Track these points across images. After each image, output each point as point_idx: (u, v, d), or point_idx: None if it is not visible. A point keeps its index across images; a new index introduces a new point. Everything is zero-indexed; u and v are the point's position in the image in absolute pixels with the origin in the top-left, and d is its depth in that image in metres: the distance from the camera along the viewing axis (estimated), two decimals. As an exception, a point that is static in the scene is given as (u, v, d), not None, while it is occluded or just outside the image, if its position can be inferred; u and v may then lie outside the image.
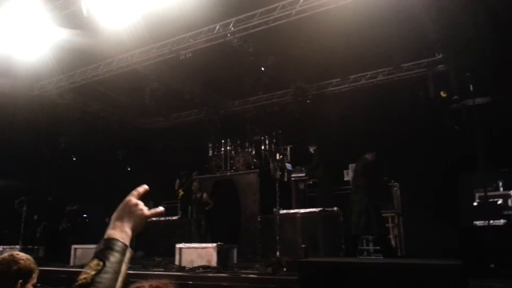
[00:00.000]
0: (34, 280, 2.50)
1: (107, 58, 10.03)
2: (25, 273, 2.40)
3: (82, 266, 7.76)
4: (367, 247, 8.71)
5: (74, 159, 12.34)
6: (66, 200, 11.25)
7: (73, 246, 8.79)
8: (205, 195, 9.79)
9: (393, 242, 8.31)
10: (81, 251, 8.66)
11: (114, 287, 1.21)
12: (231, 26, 8.48)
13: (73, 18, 7.98)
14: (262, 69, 9.06)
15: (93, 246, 8.67)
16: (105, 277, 1.20)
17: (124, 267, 1.25)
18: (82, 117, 12.33)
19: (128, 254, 1.28)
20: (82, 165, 12.16)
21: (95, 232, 11.11)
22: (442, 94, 8.13)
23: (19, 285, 2.36)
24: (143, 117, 13.53)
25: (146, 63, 9.88)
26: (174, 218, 10.99)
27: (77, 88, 11.07)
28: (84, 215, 11.39)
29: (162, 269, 7.33)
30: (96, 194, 11.79)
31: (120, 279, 1.23)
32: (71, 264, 8.53)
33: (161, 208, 1.41)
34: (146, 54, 9.67)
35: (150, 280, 1.77)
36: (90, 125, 12.53)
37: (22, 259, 2.43)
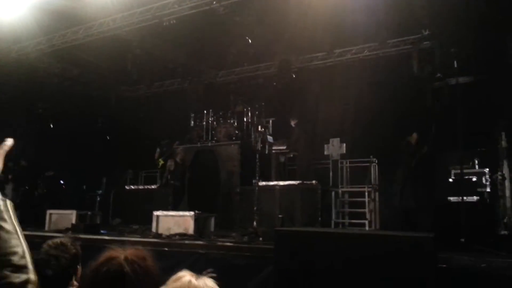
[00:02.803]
0: None
1: (87, 22, 9.70)
2: None
3: (57, 231, 7.74)
4: (343, 220, 8.88)
5: (51, 126, 12.08)
6: (42, 165, 11.07)
7: (48, 211, 8.72)
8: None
9: (368, 216, 8.47)
10: (57, 216, 8.60)
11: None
12: (217, -8, 8.26)
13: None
14: (249, 41, 8.86)
15: (69, 211, 8.66)
16: None
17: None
18: (61, 82, 12.03)
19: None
20: (60, 131, 11.92)
21: (71, 198, 11.06)
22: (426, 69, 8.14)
23: None
24: (124, 85, 13.25)
25: (128, 28, 9.55)
26: (153, 186, 10.93)
27: (57, 51, 10.70)
28: (61, 181, 11.24)
29: (139, 236, 7.32)
30: (74, 160, 11.63)
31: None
32: (46, 228, 8.47)
33: (8, 142, 1.30)
34: (129, 19, 9.35)
35: (125, 248, 1.72)
36: (70, 91, 12.24)
37: None
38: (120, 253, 1.64)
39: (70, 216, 8.42)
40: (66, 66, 11.80)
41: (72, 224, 8.08)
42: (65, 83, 12.04)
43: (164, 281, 1.59)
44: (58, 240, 3.12)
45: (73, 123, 12.04)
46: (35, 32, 9.65)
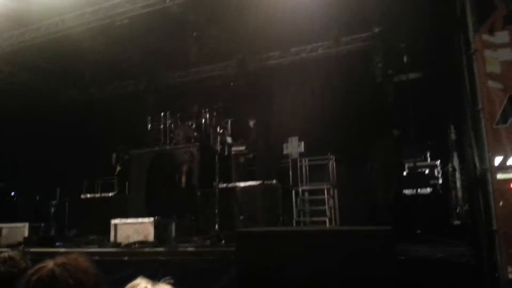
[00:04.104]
0: None
1: (35, 23, 9.27)
2: None
3: (8, 246, 7.33)
4: (304, 218, 8.95)
5: None
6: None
7: (-1, 225, 8.25)
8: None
9: (328, 213, 8.57)
10: (7, 230, 8.14)
11: None
12: (170, -9, 8.11)
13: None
14: (194, 34, 8.69)
15: (20, 224, 8.21)
16: None
17: None
18: (9, 88, 11.40)
19: None
20: (8, 139, 11.30)
21: (24, 211, 10.52)
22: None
23: None
24: (77, 88, 12.78)
25: (78, 29, 9.20)
26: (110, 194, 10.57)
27: (3, 55, 10.17)
28: (12, 193, 10.67)
29: (96, 246, 7.07)
30: (25, 170, 11.07)
31: None
32: (-4, 244, 8.01)
33: None
34: (79, 19, 9.01)
35: (57, 257, 1.69)
36: (19, 97, 11.63)
37: None
38: (50, 261, 1.64)
39: (22, 229, 7.99)
40: (12, 70, 11.22)
41: (24, 238, 7.67)
42: (14, 88, 11.41)
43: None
44: (6, 254, 2.96)
45: (22, 130, 11.42)
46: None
